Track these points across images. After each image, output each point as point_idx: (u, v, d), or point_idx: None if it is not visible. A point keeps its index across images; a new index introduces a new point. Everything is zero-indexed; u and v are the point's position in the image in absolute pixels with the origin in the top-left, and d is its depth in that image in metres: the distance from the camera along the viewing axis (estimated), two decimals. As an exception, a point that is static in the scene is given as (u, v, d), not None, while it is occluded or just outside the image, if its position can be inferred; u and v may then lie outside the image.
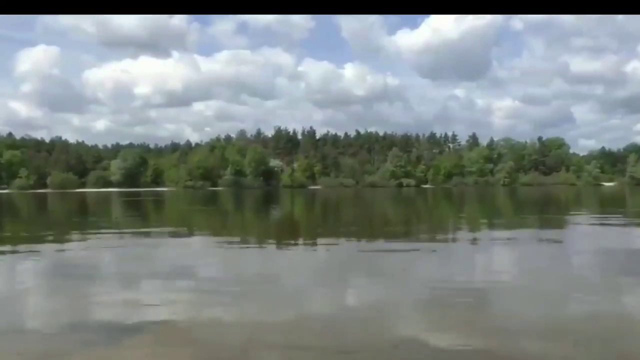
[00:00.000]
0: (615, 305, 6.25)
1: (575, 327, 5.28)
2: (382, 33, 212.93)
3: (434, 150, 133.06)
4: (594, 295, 6.72)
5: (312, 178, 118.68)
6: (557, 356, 4.44)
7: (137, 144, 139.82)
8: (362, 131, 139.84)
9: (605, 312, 5.87)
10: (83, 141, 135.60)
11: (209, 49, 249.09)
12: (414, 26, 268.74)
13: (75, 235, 15.61)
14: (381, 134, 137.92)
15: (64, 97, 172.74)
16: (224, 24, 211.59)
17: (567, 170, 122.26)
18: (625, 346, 4.72)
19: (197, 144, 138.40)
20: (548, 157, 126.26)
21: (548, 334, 4.99)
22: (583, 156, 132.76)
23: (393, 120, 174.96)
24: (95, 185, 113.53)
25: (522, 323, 5.45)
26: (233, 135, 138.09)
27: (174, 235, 15.50)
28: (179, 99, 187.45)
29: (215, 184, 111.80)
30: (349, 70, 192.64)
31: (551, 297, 6.58)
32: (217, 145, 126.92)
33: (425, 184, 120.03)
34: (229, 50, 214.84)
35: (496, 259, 10.39)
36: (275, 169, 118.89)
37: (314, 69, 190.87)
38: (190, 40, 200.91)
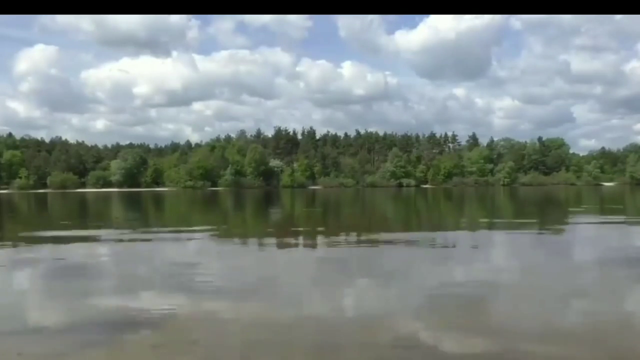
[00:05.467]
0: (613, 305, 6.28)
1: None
2: (381, 32, 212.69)
3: (434, 150, 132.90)
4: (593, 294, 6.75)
5: (312, 178, 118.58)
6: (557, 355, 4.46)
7: (137, 144, 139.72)
8: (362, 131, 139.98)
9: (603, 312, 5.89)
10: (83, 141, 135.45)
11: (208, 48, 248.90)
12: (413, 26, 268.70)
13: (77, 235, 15.61)
14: (381, 134, 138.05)
15: (63, 96, 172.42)
16: (223, 23, 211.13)
17: (567, 170, 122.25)
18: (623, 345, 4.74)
19: (197, 144, 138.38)
20: (548, 157, 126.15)
21: (546, 333, 5.00)
22: (583, 156, 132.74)
23: (393, 120, 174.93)
24: (95, 185, 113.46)
25: (520, 322, 5.47)
26: (233, 135, 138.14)
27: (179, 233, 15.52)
28: (178, 99, 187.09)
29: (215, 184, 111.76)
30: (348, 69, 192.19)
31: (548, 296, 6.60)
32: (217, 145, 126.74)
33: (425, 184, 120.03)
34: (229, 49, 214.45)
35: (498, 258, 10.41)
36: (275, 169, 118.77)
37: (313, 68, 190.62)
38: (190, 39, 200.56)
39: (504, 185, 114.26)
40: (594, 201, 37.10)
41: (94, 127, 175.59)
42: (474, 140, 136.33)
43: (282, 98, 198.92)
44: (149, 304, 6.54)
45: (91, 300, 6.72)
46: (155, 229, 17.90)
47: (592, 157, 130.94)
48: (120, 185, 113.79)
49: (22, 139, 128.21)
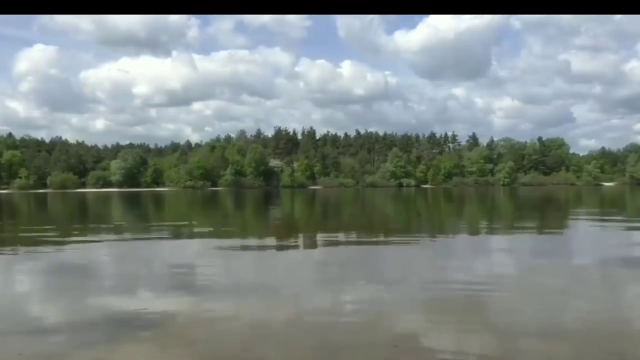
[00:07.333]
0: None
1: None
2: (380, 32, 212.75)
3: (434, 150, 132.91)
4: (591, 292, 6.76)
5: (312, 178, 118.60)
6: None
7: (137, 144, 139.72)
8: (362, 131, 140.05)
9: (600, 310, 5.90)
10: (83, 141, 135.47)
11: (208, 48, 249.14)
12: (412, 26, 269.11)
13: (77, 236, 15.61)
14: (381, 134, 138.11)
15: (63, 96, 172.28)
16: (222, 23, 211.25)
17: (567, 170, 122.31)
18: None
19: (197, 144, 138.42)
20: (548, 157, 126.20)
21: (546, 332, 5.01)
22: (583, 156, 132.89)
23: (393, 120, 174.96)
24: (95, 185, 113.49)
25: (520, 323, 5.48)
26: (233, 135, 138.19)
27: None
28: (178, 99, 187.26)
29: (215, 184, 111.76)
30: (347, 69, 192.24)
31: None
32: (217, 145, 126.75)
33: (425, 184, 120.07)
34: (228, 49, 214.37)
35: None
36: (275, 169, 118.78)
37: (312, 68, 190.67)
38: (190, 39, 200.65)
39: (504, 185, 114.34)
40: (594, 201, 37.11)
41: (94, 127, 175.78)
42: (474, 140, 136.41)
43: (282, 98, 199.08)
44: (149, 303, 6.55)
45: (91, 300, 6.73)
46: (155, 230, 17.91)
47: (592, 157, 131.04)
48: (120, 185, 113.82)
49: (22, 139, 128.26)
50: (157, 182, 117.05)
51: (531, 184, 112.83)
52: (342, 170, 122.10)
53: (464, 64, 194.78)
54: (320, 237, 14.90)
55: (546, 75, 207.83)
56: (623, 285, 7.49)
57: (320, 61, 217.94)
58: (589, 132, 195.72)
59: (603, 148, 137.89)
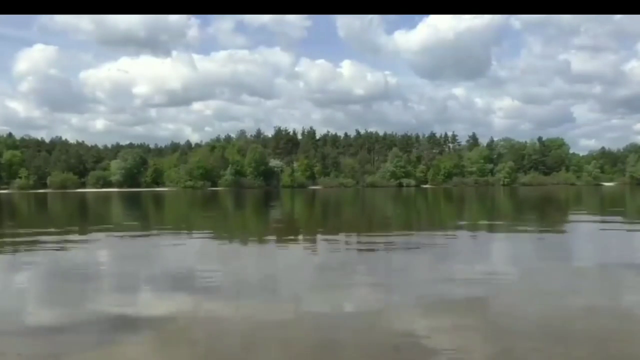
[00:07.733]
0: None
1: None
2: (380, 32, 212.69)
3: (434, 150, 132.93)
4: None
5: (312, 178, 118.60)
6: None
7: (137, 144, 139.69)
8: (362, 131, 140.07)
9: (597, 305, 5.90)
10: (83, 141, 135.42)
11: (208, 48, 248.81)
12: (412, 26, 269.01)
13: (77, 236, 15.61)
14: (381, 134, 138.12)
15: (63, 96, 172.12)
16: (222, 22, 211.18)
17: (567, 170, 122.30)
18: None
19: (197, 144, 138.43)
20: (548, 157, 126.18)
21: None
22: (583, 156, 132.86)
23: (393, 120, 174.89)
24: (95, 185, 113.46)
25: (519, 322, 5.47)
26: (233, 135, 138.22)
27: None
28: (178, 99, 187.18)
29: (215, 184, 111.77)
30: (347, 69, 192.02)
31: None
32: (217, 145, 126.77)
33: (425, 184, 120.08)
34: (228, 49, 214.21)
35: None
36: (275, 169, 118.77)
37: (312, 68, 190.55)
38: (190, 38, 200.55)
39: (504, 185, 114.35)
40: (594, 202, 37.11)
41: (94, 127, 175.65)
42: (474, 140, 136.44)
43: (282, 98, 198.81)
44: (149, 303, 6.55)
45: (91, 300, 6.72)
46: (155, 230, 17.91)
47: (592, 157, 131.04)
48: (120, 185, 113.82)
49: (22, 139, 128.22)
50: (157, 182, 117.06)
51: (531, 184, 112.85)
52: (342, 170, 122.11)
53: (464, 64, 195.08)
54: (320, 236, 14.89)
55: (546, 75, 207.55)
56: (622, 286, 7.50)
57: (320, 61, 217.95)
58: (589, 132, 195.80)
59: (603, 148, 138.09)
